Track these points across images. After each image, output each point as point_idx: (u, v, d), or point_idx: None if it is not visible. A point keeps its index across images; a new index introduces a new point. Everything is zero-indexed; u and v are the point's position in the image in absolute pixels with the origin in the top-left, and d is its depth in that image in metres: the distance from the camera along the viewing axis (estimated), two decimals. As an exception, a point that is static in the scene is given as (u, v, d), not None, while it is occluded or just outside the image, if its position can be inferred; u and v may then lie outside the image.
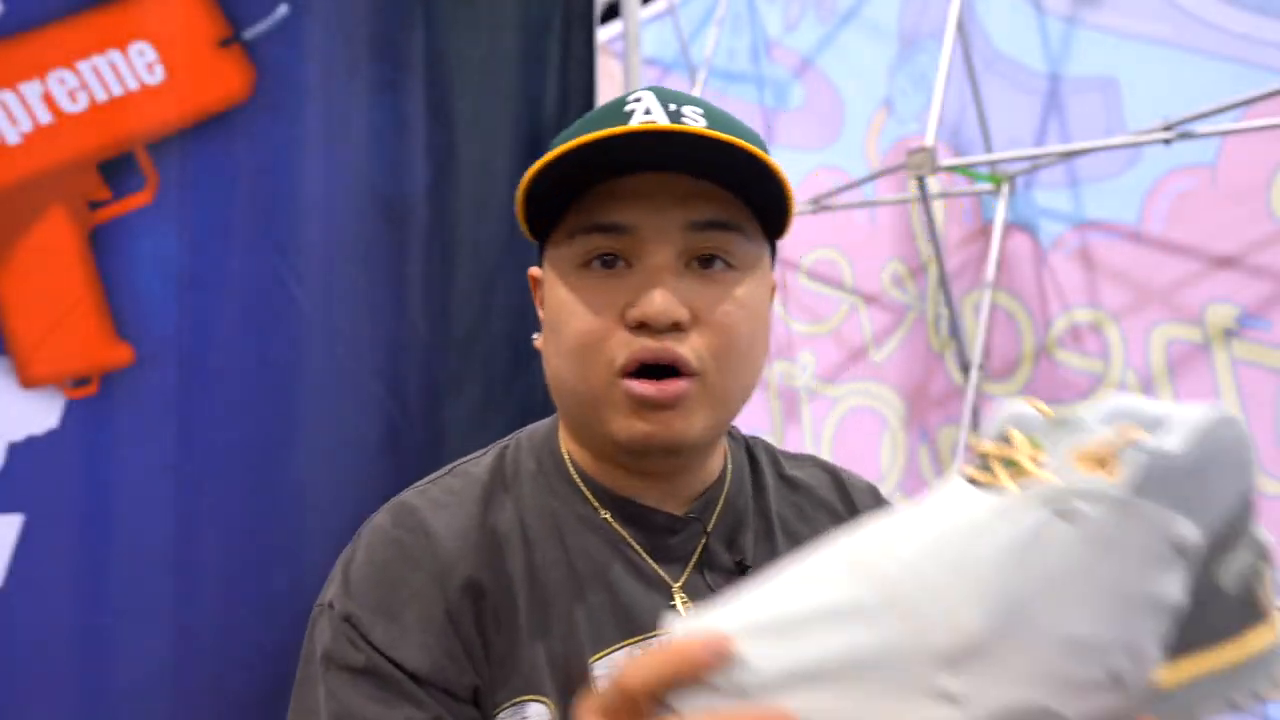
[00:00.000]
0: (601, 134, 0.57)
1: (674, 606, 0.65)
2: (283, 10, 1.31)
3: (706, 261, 0.61)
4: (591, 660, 0.62)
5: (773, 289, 0.68)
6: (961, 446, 1.75)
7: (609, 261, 0.61)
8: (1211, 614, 0.39)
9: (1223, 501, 0.39)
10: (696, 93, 2.34)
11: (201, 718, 1.19)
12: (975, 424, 1.82)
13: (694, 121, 0.60)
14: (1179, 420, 0.39)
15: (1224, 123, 1.48)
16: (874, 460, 2.12)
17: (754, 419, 2.36)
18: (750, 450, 0.75)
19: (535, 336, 0.68)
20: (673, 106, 0.61)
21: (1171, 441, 0.38)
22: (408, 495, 0.68)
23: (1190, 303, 1.57)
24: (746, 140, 0.59)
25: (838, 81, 2.25)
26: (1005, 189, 1.84)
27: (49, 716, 1.12)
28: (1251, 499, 0.41)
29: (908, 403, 2.07)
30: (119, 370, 1.18)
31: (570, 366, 0.62)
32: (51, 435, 1.14)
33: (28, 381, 1.14)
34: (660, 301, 0.58)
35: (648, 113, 0.60)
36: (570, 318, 0.61)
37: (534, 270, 0.69)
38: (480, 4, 1.55)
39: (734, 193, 0.61)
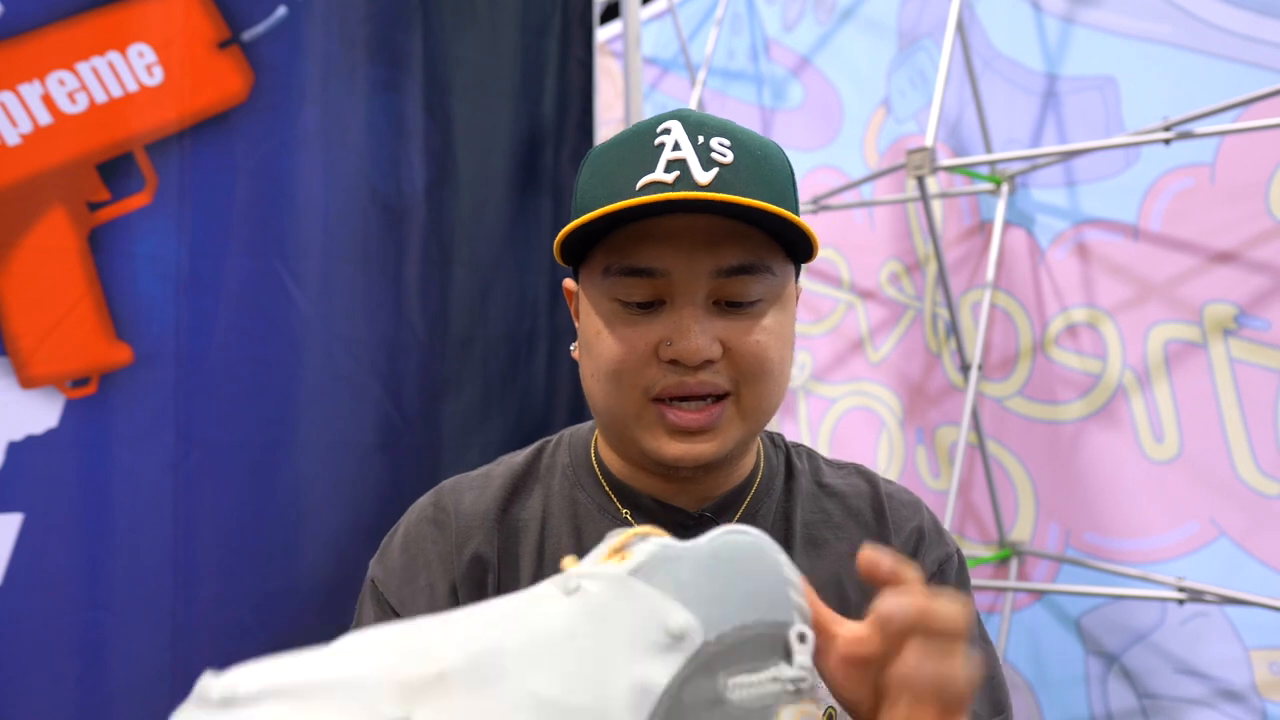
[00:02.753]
0: (628, 203, 0.60)
1: None
2: (281, 12, 1.31)
3: (735, 302, 0.64)
4: None
5: (796, 296, 0.70)
6: (961, 446, 1.75)
7: (643, 303, 0.64)
8: None
9: (736, 608, 0.40)
10: (696, 92, 2.34)
11: (201, 716, 1.20)
12: (974, 424, 1.82)
13: (721, 155, 0.62)
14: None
15: (1223, 123, 1.48)
16: (871, 460, 2.12)
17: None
18: (790, 458, 0.77)
19: (572, 347, 0.71)
20: (700, 139, 0.62)
21: (687, 540, 0.41)
22: (454, 478, 0.76)
23: (1188, 301, 1.57)
24: (771, 176, 0.63)
25: (836, 81, 2.25)
26: (1004, 189, 1.84)
27: (48, 715, 1.13)
28: (783, 635, 0.41)
29: (905, 402, 2.07)
30: (118, 370, 1.19)
31: (604, 389, 0.65)
32: (51, 435, 1.15)
33: (27, 382, 1.14)
34: (694, 343, 0.61)
35: (676, 148, 0.62)
36: (606, 348, 0.64)
37: (569, 283, 0.72)
38: (480, 4, 1.55)
39: (760, 228, 0.63)
